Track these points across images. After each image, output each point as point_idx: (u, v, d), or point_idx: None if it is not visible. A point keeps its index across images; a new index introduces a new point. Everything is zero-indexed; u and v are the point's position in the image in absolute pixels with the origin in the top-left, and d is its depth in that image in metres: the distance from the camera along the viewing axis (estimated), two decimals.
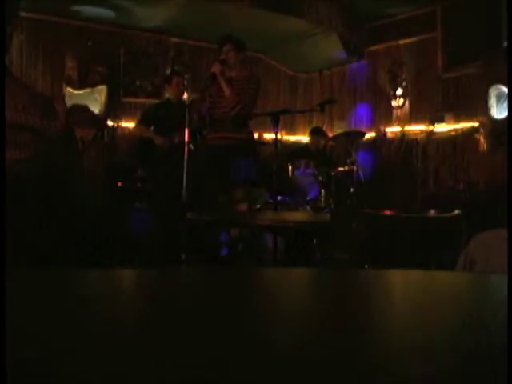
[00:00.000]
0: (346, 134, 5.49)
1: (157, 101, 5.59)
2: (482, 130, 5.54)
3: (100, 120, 5.69)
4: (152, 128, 4.70)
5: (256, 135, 5.00)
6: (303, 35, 6.46)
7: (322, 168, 4.85)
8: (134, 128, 5.27)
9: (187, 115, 3.50)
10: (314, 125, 6.78)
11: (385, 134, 6.55)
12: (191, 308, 0.64)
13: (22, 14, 5.47)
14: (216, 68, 3.89)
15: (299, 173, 4.87)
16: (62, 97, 5.78)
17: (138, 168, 5.09)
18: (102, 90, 5.97)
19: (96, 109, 5.80)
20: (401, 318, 0.61)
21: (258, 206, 4.21)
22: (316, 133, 5.91)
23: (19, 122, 1.59)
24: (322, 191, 4.80)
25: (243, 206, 3.87)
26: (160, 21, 6.15)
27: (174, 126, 4.34)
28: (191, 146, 4.15)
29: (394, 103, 6.45)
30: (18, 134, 1.59)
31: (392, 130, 6.48)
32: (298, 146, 7.00)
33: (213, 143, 4.08)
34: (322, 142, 5.88)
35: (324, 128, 6.56)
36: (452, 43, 5.86)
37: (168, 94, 4.95)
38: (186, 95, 6.49)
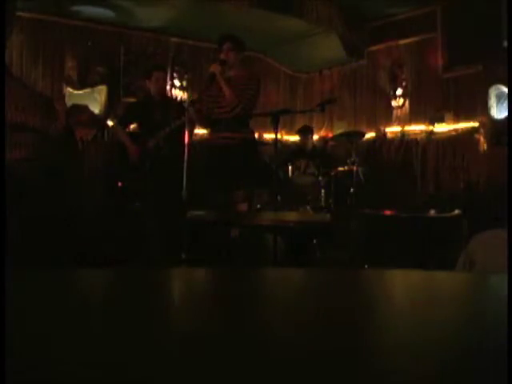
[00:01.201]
0: (346, 134, 5.50)
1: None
2: (481, 130, 5.54)
3: (100, 120, 5.68)
4: (132, 127, 4.35)
5: (256, 135, 4.99)
6: (303, 35, 6.46)
7: (322, 168, 4.86)
8: (113, 128, 4.95)
9: (187, 115, 3.49)
10: (314, 125, 6.80)
11: (385, 134, 6.55)
12: (191, 307, 0.64)
13: (21, 14, 5.47)
14: (215, 68, 3.88)
15: (299, 173, 4.88)
16: (62, 97, 5.78)
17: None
18: (101, 90, 5.98)
19: (96, 109, 5.80)
20: (401, 317, 0.61)
21: (258, 205, 4.21)
22: (303, 132, 5.96)
23: (19, 122, 1.59)
24: (322, 191, 4.80)
25: (243, 206, 3.87)
26: (160, 21, 6.16)
27: (154, 125, 4.17)
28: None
29: (393, 103, 6.45)
30: (17, 134, 1.59)
31: (392, 130, 6.48)
32: (297, 146, 7.01)
33: (213, 143, 4.08)
34: (311, 139, 5.93)
35: (324, 128, 6.56)
36: (452, 43, 5.86)
37: (151, 91, 4.44)
38: (186, 94, 6.44)
